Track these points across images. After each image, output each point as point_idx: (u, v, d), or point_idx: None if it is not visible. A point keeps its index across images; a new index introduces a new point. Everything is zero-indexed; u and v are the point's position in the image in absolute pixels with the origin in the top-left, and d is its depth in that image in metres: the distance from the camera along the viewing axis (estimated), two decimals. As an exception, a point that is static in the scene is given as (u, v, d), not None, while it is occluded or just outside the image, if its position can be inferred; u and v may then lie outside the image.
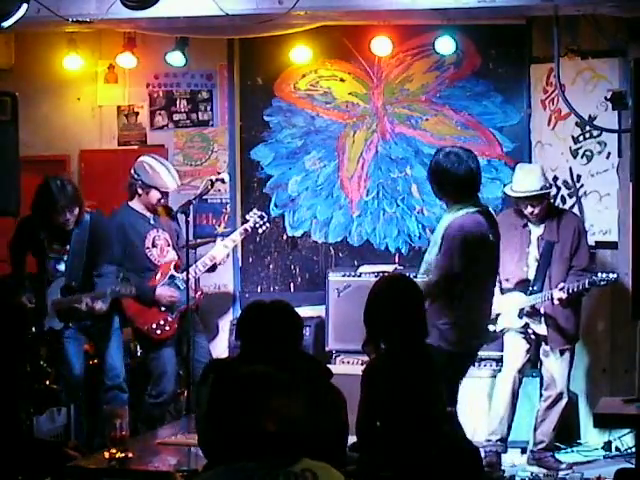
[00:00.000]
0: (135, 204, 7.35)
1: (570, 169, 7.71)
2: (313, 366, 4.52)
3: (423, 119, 8.19)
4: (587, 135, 7.63)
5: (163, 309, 7.26)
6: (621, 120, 7.39)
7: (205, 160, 8.47)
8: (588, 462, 7.16)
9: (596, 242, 7.52)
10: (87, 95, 8.62)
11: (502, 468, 6.87)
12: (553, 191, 7.42)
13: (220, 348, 8.11)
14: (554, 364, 6.98)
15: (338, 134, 8.31)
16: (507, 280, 6.97)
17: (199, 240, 7.64)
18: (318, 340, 7.83)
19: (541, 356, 7.07)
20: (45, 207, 6.78)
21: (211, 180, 7.42)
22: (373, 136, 8.28)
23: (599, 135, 7.57)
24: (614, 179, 7.52)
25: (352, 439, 4.68)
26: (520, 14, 7.48)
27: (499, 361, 7.21)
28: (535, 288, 6.92)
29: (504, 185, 7.52)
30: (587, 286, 6.80)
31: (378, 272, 7.50)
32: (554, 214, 7.07)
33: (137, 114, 8.56)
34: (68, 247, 6.92)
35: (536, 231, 7.02)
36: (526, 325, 6.98)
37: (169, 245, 7.39)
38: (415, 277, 6.10)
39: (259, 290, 8.42)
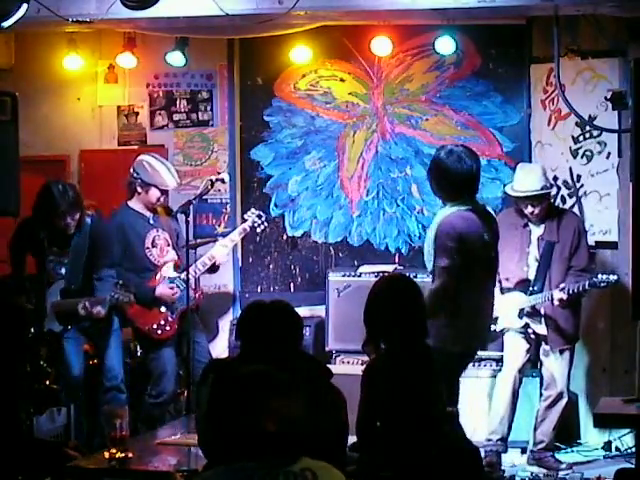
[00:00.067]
0: (134, 204, 7.35)
1: (570, 169, 7.71)
2: (313, 366, 4.52)
3: (423, 119, 8.19)
4: (587, 135, 7.64)
5: (163, 309, 7.26)
6: (621, 120, 7.39)
7: (205, 160, 8.47)
8: (588, 462, 7.17)
9: (596, 242, 7.53)
10: (87, 95, 8.62)
11: (502, 468, 6.87)
12: (553, 191, 7.42)
13: (220, 348, 8.11)
14: (554, 364, 6.98)
15: (338, 134, 8.32)
16: (507, 280, 6.97)
17: (199, 240, 7.64)
18: (318, 340, 7.83)
19: (541, 356, 7.07)
20: (46, 211, 6.77)
21: (211, 180, 7.42)
22: (373, 136, 8.28)
23: (599, 135, 7.57)
24: (614, 179, 7.52)
25: (352, 439, 4.68)
26: (520, 14, 7.48)
27: (499, 361, 7.21)
28: (535, 288, 6.92)
29: (504, 185, 7.52)
30: (587, 287, 6.80)
31: (378, 272, 7.50)
32: (554, 214, 7.07)
33: (137, 114, 8.56)
34: (68, 250, 6.92)
35: (536, 231, 7.02)
36: (526, 325, 6.98)
37: (169, 245, 7.39)
38: (415, 277, 6.12)
39: (259, 290, 8.42)
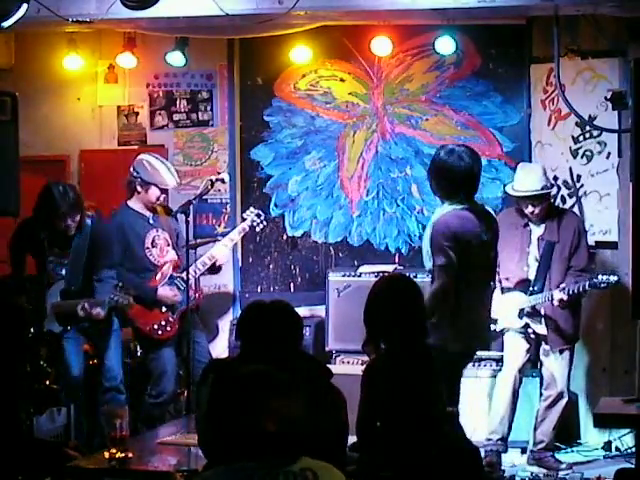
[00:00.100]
0: (134, 203, 7.35)
1: (570, 169, 7.71)
2: (313, 366, 4.52)
3: (423, 119, 8.19)
4: (587, 135, 7.64)
5: (164, 309, 7.26)
6: (621, 120, 7.39)
7: (205, 160, 8.47)
8: (588, 462, 7.16)
9: (596, 242, 7.53)
10: (87, 95, 8.62)
11: (502, 468, 6.87)
12: (554, 191, 7.42)
13: (220, 348, 8.11)
14: (554, 363, 6.98)
15: (338, 134, 8.32)
16: (507, 279, 6.97)
17: (199, 240, 7.64)
18: (318, 340, 7.83)
19: (541, 356, 7.06)
20: (47, 212, 6.77)
21: (211, 180, 7.42)
22: (373, 136, 8.28)
23: (599, 135, 7.57)
24: (614, 179, 7.52)
25: (352, 439, 4.68)
26: (520, 14, 7.48)
27: (499, 361, 7.21)
28: (535, 288, 6.92)
29: (504, 185, 7.52)
30: (587, 288, 6.80)
31: (378, 272, 7.49)
32: (555, 214, 7.07)
33: (137, 114, 8.56)
34: (68, 251, 6.91)
35: (537, 231, 7.02)
36: (526, 325, 6.98)
37: (169, 245, 7.39)
38: (415, 277, 6.11)
39: (259, 290, 8.42)
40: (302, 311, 7.63)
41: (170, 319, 7.26)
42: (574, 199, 7.68)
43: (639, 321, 7.09)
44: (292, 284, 8.41)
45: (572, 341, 7.02)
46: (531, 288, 6.93)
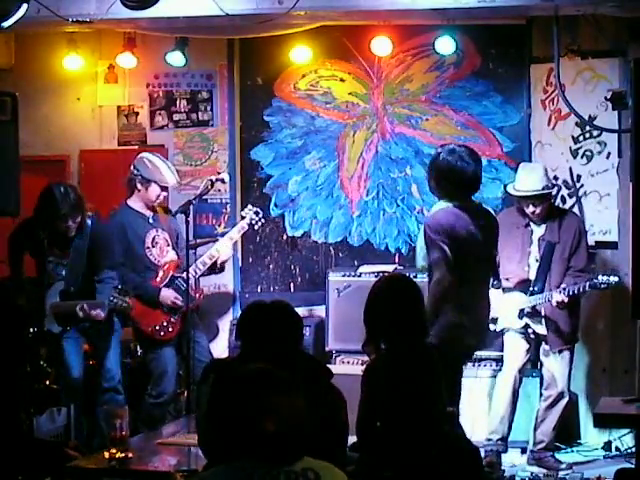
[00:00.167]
0: (134, 203, 7.34)
1: (570, 169, 7.71)
2: (313, 366, 4.52)
3: (423, 119, 8.19)
4: (587, 135, 7.64)
5: (166, 310, 7.26)
6: (621, 120, 7.39)
7: (205, 160, 8.47)
8: (588, 462, 7.17)
9: (596, 242, 7.53)
10: (87, 95, 8.62)
11: (502, 468, 6.87)
12: (554, 191, 7.42)
13: (220, 348, 8.11)
14: (554, 363, 6.98)
15: (338, 134, 8.32)
16: (507, 279, 6.97)
17: (199, 240, 7.64)
18: (318, 340, 7.83)
19: (541, 356, 7.06)
20: (48, 213, 6.75)
21: (211, 180, 7.42)
22: (373, 136, 8.28)
23: (599, 135, 7.57)
24: (614, 179, 7.52)
25: (352, 439, 4.68)
26: (520, 14, 7.48)
27: (499, 361, 7.21)
28: (536, 289, 6.92)
29: (504, 185, 7.53)
30: (588, 289, 6.80)
31: (378, 272, 7.50)
32: (556, 214, 7.07)
33: (137, 114, 8.56)
34: (68, 252, 6.90)
35: (538, 231, 7.02)
36: (526, 325, 6.98)
37: (168, 245, 7.39)
38: (415, 277, 6.11)
39: (259, 290, 8.42)
40: (302, 311, 7.65)
41: (172, 320, 7.26)
42: (574, 199, 7.68)
43: (639, 321, 7.10)
44: (292, 284, 8.41)
45: (571, 341, 7.02)
46: (531, 288, 6.93)
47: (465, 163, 5.90)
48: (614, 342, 7.58)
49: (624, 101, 7.06)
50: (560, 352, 6.96)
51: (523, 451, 7.19)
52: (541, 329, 6.95)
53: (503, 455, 6.92)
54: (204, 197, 7.60)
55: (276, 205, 8.39)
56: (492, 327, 6.80)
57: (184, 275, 7.10)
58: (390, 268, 7.80)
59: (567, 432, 7.38)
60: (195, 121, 8.49)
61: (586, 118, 7.54)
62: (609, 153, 7.56)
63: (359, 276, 7.72)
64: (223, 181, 7.68)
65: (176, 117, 8.51)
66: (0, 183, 6.45)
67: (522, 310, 6.93)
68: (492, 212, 6.29)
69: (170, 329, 7.24)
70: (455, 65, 8.06)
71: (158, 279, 7.30)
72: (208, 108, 8.46)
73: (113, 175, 8.06)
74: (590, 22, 7.32)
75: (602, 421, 5.67)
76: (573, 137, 7.69)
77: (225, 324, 8.30)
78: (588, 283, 6.77)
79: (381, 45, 7.70)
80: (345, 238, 8.32)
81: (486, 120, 8.08)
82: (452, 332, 5.80)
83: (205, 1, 6.74)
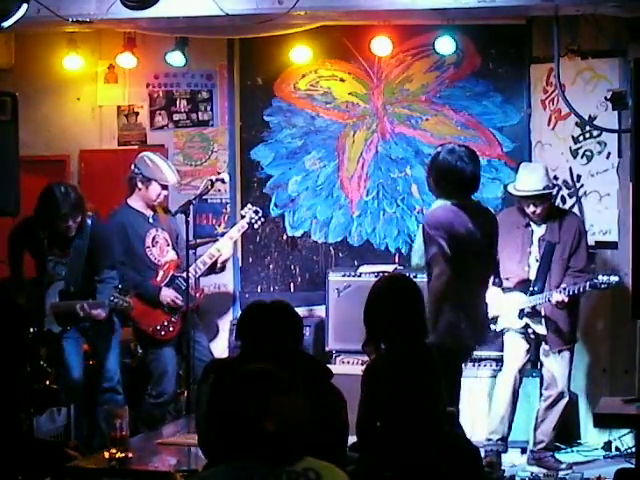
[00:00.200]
0: (134, 202, 7.34)
1: (570, 169, 7.71)
2: (313, 366, 4.52)
3: (423, 119, 8.19)
4: (587, 135, 7.63)
5: (166, 310, 7.26)
6: (621, 120, 7.39)
7: (205, 160, 8.47)
8: (588, 462, 7.17)
9: (596, 242, 7.53)
10: (87, 95, 8.62)
11: (502, 468, 6.87)
12: (555, 191, 7.42)
13: (220, 348, 8.11)
14: (554, 363, 6.97)
15: (338, 134, 8.32)
16: (507, 279, 6.97)
17: (199, 240, 7.64)
18: (318, 340, 7.83)
19: (541, 356, 7.06)
20: (48, 213, 6.75)
21: (211, 180, 7.42)
22: (373, 136, 8.28)
23: (599, 135, 7.57)
24: (614, 179, 7.52)
25: (352, 439, 4.68)
26: (520, 14, 7.48)
27: (499, 361, 7.21)
28: (536, 289, 6.92)
29: (504, 185, 7.53)
30: (588, 289, 6.80)
31: (378, 272, 7.50)
32: (556, 215, 7.07)
33: (137, 114, 8.56)
34: (68, 251, 6.90)
35: (538, 231, 7.02)
36: (526, 325, 6.98)
37: (168, 245, 7.39)
38: (415, 277, 6.11)
39: (259, 290, 8.42)
40: (302, 311, 7.65)
41: (173, 319, 7.26)
42: (574, 199, 7.68)
43: (639, 321, 7.10)
44: (292, 284, 8.41)
45: (571, 342, 7.02)
46: (531, 288, 6.93)
47: (464, 163, 5.91)
48: (614, 342, 7.58)
49: (624, 101, 7.06)
50: (560, 352, 6.96)
51: (523, 451, 7.19)
52: (541, 329, 6.95)
53: (503, 455, 6.92)
54: (204, 197, 7.59)
55: (276, 205, 8.39)
56: (492, 327, 6.81)
57: (184, 275, 7.10)
58: (390, 268, 7.80)
59: (567, 432, 7.38)
60: (195, 121, 8.49)
61: (586, 118, 7.54)
62: (609, 153, 7.56)
63: (359, 276, 7.72)
64: (223, 181, 7.68)
65: (176, 117, 8.51)
66: (0, 183, 6.45)
67: (522, 310, 6.93)
68: (491, 210, 6.29)
69: (171, 329, 7.24)
70: (455, 65, 8.06)
71: (158, 279, 7.30)
72: (208, 108, 8.46)
73: (113, 175, 8.07)
74: (590, 22, 7.32)
75: (602, 421, 5.67)
76: (573, 137, 7.69)
77: (225, 324, 8.30)
78: (588, 283, 6.77)
79: (381, 45, 7.70)
80: (345, 238, 8.32)
81: (486, 120, 8.08)
82: (451, 331, 5.81)
83: (205, 1, 6.74)
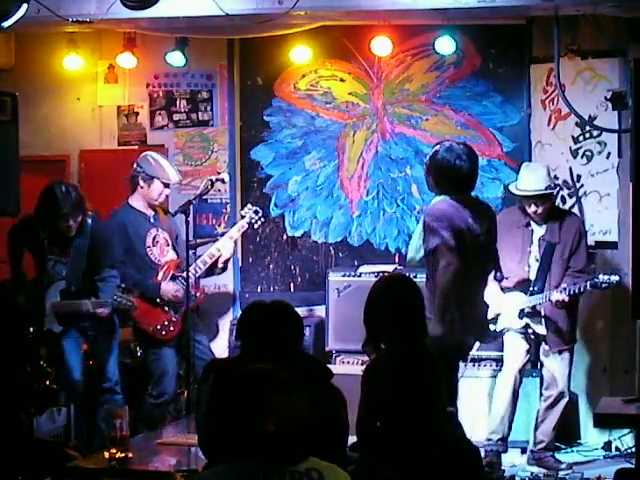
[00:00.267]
0: (135, 201, 7.33)
1: (570, 169, 7.71)
2: (313, 366, 4.52)
3: (423, 119, 8.19)
4: (587, 135, 7.63)
5: (167, 309, 7.26)
6: (621, 120, 7.39)
7: (205, 160, 8.47)
8: (588, 462, 7.17)
9: (596, 242, 7.53)
10: (87, 95, 8.62)
11: (502, 468, 6.87)
12: (556, 191, 7.43)
13: (220, 348, 8.10)
14: (554, 364, 6.97)
15: (338, 134, 8.32)
16: (507, 279, 6.97)
17: (199, 240, 7.64)
18: (318, 340, 7.83)
19: (541, 356, 7.06)
20: (49, 213, 6.74)
21: (211, 180, 7.42)
22: (373, 136, 8.28)
23: (599, 135, 7.57)
24: (614, 179, 7.52)
25: (352, 439, 4.68)
26: (520, 14, 7.48)
27: (499, 361, 7.21)
28: (535, 289, 6.92)
29: (505, 185, 7.53)
30: (589, 288, 6.81)
31: (378, 272, 7.50)
32: (556, 215, 7.06)
33: (137, 114, 8.56)
34: (69, 251, 6.90)
35: (538, 231, 7.01)
36: (526, 325, 6.98)
37: (168, 245, 7.39)
38: (415, 277, 6.12)
39: (259, 290, 8.42)
40: (302, 311, 7.65)
41: (173, 319, 7.25)
42: (574, 199, 7.68)
43: (639, 321, 7.10)
44: (292, 284, 8.41)
45: (571, 342, 7.02)
46: (531, 288, 6.93)
47: (462, 161, 5.92)
48: (614, 342, 7.58)
49: (624, 101, 7.06)
50: (560, 352, 6.96)
51: (523, 451, 7.19)
52: (541, 329, 6.95)
53: (503, 455, 6.92)
54: (204, 197, 7.59)
55: (276, 205, 8.39)
56: (492, 327, 6.80)
57: (184, 274, 7.09)
58: (390, 268, 7.80)
59: (567, 432, 7.38)
60: (195, 121, 8.49)
61: (586, 118, 7.54)
62: (609, 153, 7.56)
63: (359, 276, 7.72)
64: (223, 181, 7.68)
65: (176, 117, 8.51)
66: (0, 183, 6.45)
67: (522, 310, 6.93)
68: (490, 205, 6.29)
69: (171, 328, 7.24)
70: (455, 65, 8.06)
71: (159, 278, 7.29)
72: (208, 108, 8.46)
73: (113, 175, 8.07)
74: (590, 22, 7.32)
75: (602, 421, 5.67)
76: (573, 137, 7.69)
77: (225, 324, 8.30)
78: (589, 282, 6.78)
79: (381, 45, 7.69)
80: (345, 238, 8.32)
81: (486, 120, 8.08)
82: (449, 328, 5.80)
83: (205, 1, 6.74)
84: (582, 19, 7.35)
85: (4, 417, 4.78)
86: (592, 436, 7.47)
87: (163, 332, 7.23)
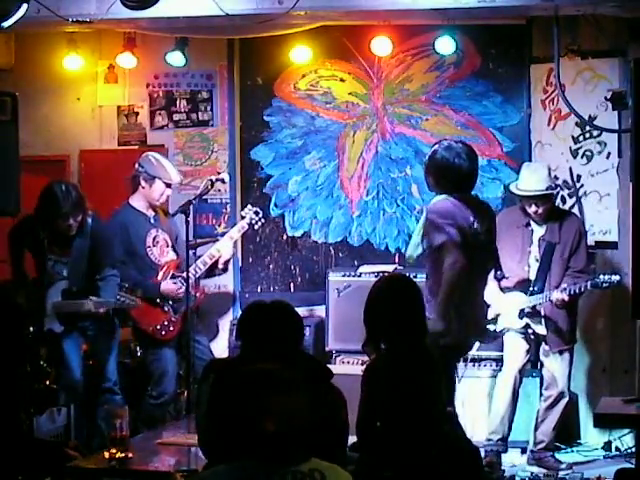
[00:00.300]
0: (136, 201, 7.33)
1: (570, 169, 7.71)
2: (313, 366, 4.52)
3: (423, 119, 8.19)
4: (587, 135, 7.64)
5: (166, 309, 7.26)
6: (621, 120, 7.39)
7: (205, 160, 8.47)
8: (588, 462, 7.17)
9: (596, 242, 7.53)
10: (87, 95, 8.62)
11: (502, 468, 6.87)
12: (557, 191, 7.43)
13: (220, 348, 8.11)
14: (554, 364, 6.98)
15: (338, 134, 8.32)
16: (507, 278, 6.97)
17: (199, 240, 7.64)
18: (318, 340, 7.83)
19: (541, 356, 7.06)
20: (49, 212, 6.74)
21: (211, 180, 7.42)
22: (373, 136, 8.28)
23: (599, 135, 7.57)
24: (614, 179, 7.53)
25: (352, 439, 4.68)
26: (520, 14, 7.48)
27: (499, 361, 7.21)
28: (535, 289, 6.92)
29: (505, 185, 7.53)
30: (589, 288, 6.81)
31: (378, 272, 7.50)
32: (556, 215, 7.07)
33: (137, 114, 8.56)
34: (69, 250, 6.90)
35: (538, 231, 7.01)
36: (526, 325, 6.98)
37: (168, 245, 7.39)
38: (415, 277, 6.11)
39: (259, 290, 8.42)
40: (302, 311, 7.64)
41: (173, 319, 7.26)
42: (574, 199, 7.68)
43: (639, 321, 7.10)
44: (292, 284, 8.41)
45: (571, 342, 7.02)
46: (531, 288, 6.93)
47: (462, 159, 5.93)
48: (614, 342, 7.58)
49: (624, 101, 7.07)
50: (560, 352, 6.96)
51: (523, 451, 7.19)
52: (541, 329, 6.95)
53: (503, 455, 6.92)
54: (204, 197, 7.59)
55: (276, 205, 8.39)
56: (492, 327, 6.81)
57: (184, 275, 7.09)
58: (390, 268, 7.80)
59: (567, 432, 7.38)
60: (195, 121, 8.49)
61: (586, 118, 7.54)
62: (609, 153, 7.56)
63: (359, 276, 7.72)
64: (223, 181, 7.68)
65: (176, 117, 8.51)
66: (0, 183, 6.45)
67: (522, 310, 6.93)
68: (489, 204, 6.29)
69: (171, 328, 7.24)
70: (455, 65, 8.06)
71: (159, 278, 7.29)
72: (208, 108, 8.46)
73: (113, 175, 8.07)
74: (590, 22, 7.32)
75: (602, 421, 5.67)
76: (573, 137, 7.69)
77: (225, 324, 8.30)
78: (589, 282, 6.78)
79: (381, 45, 7.69)
80: (345, 238, 8.32)
81: (486, 120, 8.08)
82: (450, 325, 5.80)
83: (205, 1, 6.74)
84: (582, 19, 7.35)
85: (4, 417, 4.78)
86: (592, 436, 7.47)
87: (163, 332, 7.23)
